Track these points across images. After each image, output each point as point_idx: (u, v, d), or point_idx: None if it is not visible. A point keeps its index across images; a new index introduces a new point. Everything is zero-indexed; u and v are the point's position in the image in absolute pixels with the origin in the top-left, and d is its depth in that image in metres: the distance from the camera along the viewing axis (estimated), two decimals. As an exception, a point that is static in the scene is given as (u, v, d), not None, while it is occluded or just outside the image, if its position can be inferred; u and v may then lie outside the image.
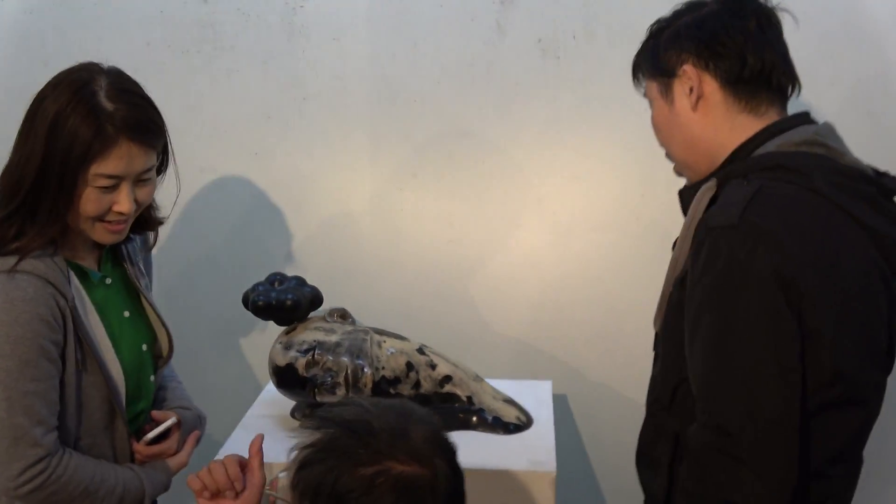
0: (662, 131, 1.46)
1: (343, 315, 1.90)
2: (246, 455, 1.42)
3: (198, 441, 1.70)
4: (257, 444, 1.43)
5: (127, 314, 1.64)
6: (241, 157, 2.30)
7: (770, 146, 1.33)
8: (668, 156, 1.49)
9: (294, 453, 1.15)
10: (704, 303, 1.26)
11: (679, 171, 1.49)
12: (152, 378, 1.70)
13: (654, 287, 2.26)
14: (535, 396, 2.03)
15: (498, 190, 2.26)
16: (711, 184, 1.33)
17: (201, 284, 2.37)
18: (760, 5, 1.39)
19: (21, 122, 1.45)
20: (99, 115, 1.40)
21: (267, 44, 2.22)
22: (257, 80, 2.25)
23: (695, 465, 1.30)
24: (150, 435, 1.61)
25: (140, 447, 1.61)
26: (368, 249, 2.31)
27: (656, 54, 1.41)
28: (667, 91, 1.41)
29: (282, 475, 1.27)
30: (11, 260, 1.44)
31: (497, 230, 2.28)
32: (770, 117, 1.37)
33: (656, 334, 1.48)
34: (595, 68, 2.17)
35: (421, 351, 1.89)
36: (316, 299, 1.88)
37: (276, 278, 1.88)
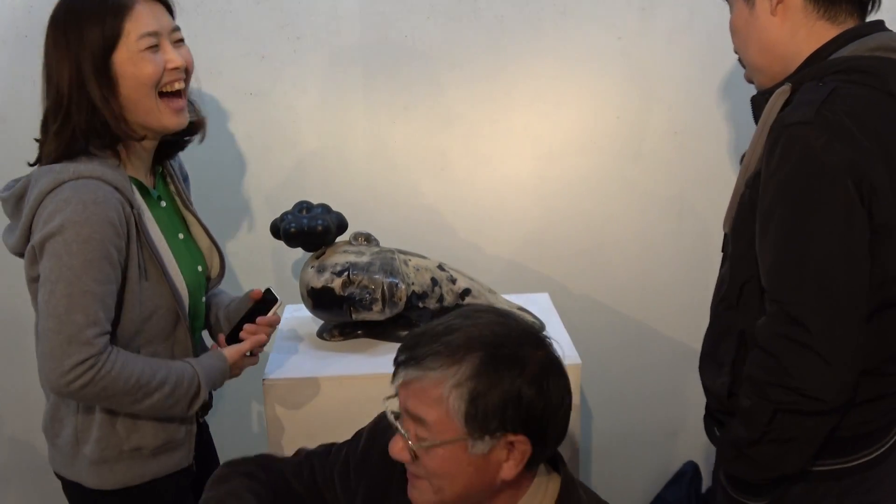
0: (741, 34, 1.50)
1: (367, 238, 2.02)
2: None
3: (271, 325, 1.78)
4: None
5: (181, 236, 1.73)
6: (236, 97, 2.35)
7: (845, 51, 1.39)
8: (742, 61, 1.54)
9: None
10: (778, 195, 1.32)
11: (750, 78, 1.55)
12: (203, 300, 1.79)
13: (629, 202, 2.48)
14: (538, 306, 2.19)
15: (485, 119, 2.39)
16: (786, 87, 1.39)
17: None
18: None
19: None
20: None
21: (259, -16, 2.28)
22: (251, 20, 2.29)
23: (763, 355, 1.36)
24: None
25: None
26: (363, 181, 2.41)
27: None
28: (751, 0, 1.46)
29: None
30: (82, 166, 1.51)
31: (485, 157, 2.42)
32: (847, 26, 1.42)
33: (725, 235, 1.53)
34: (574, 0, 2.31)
35: (441, 267, 2.03)
36: (342, 224, 1.99)
37: (305, 206, 1.98)
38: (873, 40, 1.40)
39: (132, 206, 1.56)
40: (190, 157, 2.36)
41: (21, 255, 1.58)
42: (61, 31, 1.55)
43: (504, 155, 2.42)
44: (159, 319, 1.63)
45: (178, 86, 1.64)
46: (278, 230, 1.96)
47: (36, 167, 1.59)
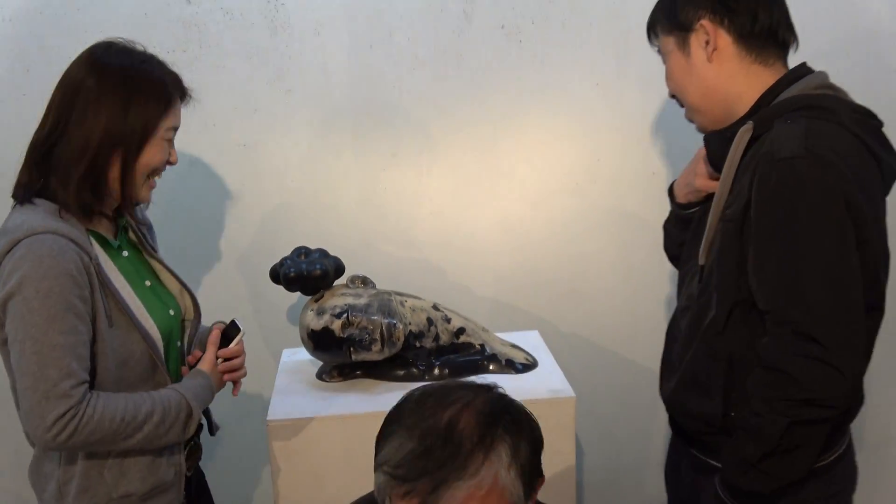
0: (678, 82, 1.63)
1: (364, 281, 2.08)
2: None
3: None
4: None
5: (148, 283, 1.75)
6: (230, 149, 2.43)
7: (793, 91, 1.52)
8: (683, 104, 1.66)
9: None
10: (779, 224, 1.42)
11: (691, 118, 1.68)
12: (179, 344, 1.81)
13: (611, 238, 2.56)
14: (529, 344, 2.26)
15: (472, 163, 2.48)
16: (748, 126, 1.51)
17: (195, 272, 2.48)
18: None
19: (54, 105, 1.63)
20: (163, 84, 1.65)
21: (251, 40, 2.36)
22: (243, 75, 2.38)
23: (772, 374, 1.45)
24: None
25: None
26: (356, 226, 2.49)
27: (674, 11, 1.58)
28: (684, 44, 1.58)
29: None
30: (35, 222, 1.54)
31: (472, 201, 2.51)
32: (778, 68, 1.57)
33: (702, 267, 1.61)
34: (552, 48, 2.42)
35: (436, 307, 2.10)
36: (339, 268, 2.06)
37: (303, 251, 2.05)
38: (813, 80, 1.54)
39: (90, 257, 1.58)
40: (186, 205, 2.44)
41: None
42: (116, 88, 1.60)
43: (491, 198, 2.51)
44: (135, 365, 1.65)
45: (158, 178, 1.74)
46: (278, 275, 2.02)
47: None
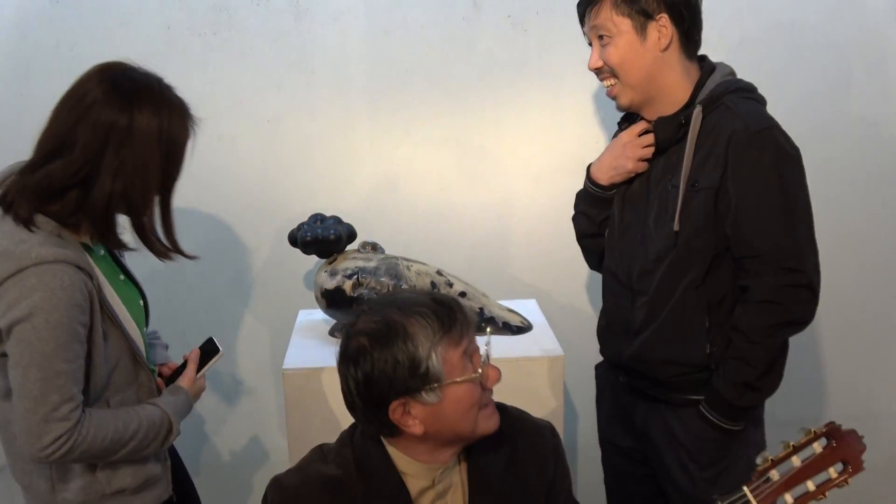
0: (625, 60, 1.82)
1: (374, 246, 2.28)
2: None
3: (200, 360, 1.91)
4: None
5: (122, 277, 1.79)
6: (255, 124, 2.63)
7: (716, 78, 1.84)
8: (618, 80, 1.85)
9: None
10: (766, 183, 1.73)
11: (615, 95, 1.89)
12: (145, 329, 1.87)
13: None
14: (527, 310, 2.45)
15: (478, 143, 2.67)
16: (699, 110, 1.80)
17: (224, 237, 2.69)
18: None
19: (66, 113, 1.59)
20: (185, 105, 1.68)
21: (276, 25, 2.56)
22: (268, 56, 2.58)
23: (762, 306, 1.76)
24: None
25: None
26: (369, 198, 2.69)
27: None
28: (642, 29, 1.80)
29: None
30: (42, 250, 1.54)
31: (478, 178, 2.70)
32: (695, 63, 1.87)
33: (676, 232, 1.82)
34: (556, 37, 2.59)
35: (439, 273, 2.29)
36: (352, 234, 2.26)
37: (319, 217, 2.25)
38: (722, 69, 1.87)
39: (92, 280, 1.61)
40: (213, 176, 2.65)
41: None
42: (153, 117, 1.59)
43: (495, 175, 2.69)
44: (122, 369, 1.71)
45: None
46: (295, 239, 2.22)
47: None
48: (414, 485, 1.46)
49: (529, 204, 2.72)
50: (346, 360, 1.41)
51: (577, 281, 2.76)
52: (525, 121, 2.66)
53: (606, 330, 2.07)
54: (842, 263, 2.71)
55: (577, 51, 2.58)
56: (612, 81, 1.87)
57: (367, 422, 1.44)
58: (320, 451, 1.52)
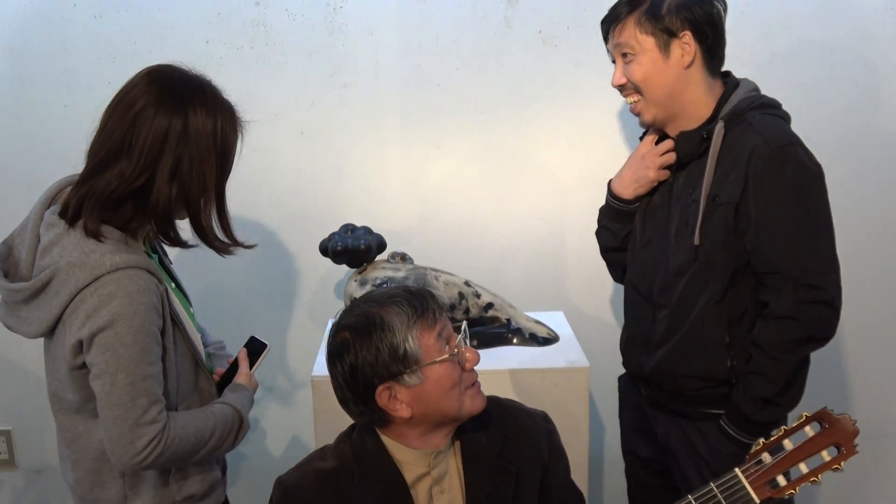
0: (649, 77, 1.85)
1: (403, 257, 2.32)
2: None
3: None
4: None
5: (174, 285, 1.81)
6: (288, 137, 2.69)
7: (740, 94, 1.86)
8: (642, 96, 1.88)
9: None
10: (787, 198, 1.74)
11: (638, 111, 1.91)
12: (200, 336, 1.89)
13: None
14: (554, 322, 2.47)
15: (507, 156, 2.71)
16: (721, 125, 1.82)
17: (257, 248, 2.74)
18: None
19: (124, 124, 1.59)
20: (233, 108, 1.70)
21: (311, 39, 2.62)
22: (303, 70, 2.64)
23: (782, 322, 1.77)
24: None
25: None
26: (400, 209, 2.73)
27: (659, 16, 1.81)
28: (665, 47, 1.83)
29: None
30: (116, 258, 1.56)
31: (507, 190, 2.73)
32: (719, 79, 1.89)
33: (696, 247, 1.84)
34: (585, 53, 2.63)
35: (467, 284, 2.33)
36: (381, 244, 2.30)
37: (350, 227, 2.29)
38: (746, 85, 1.89)
39: (161, 283, 1.64)
40: (247, 186, 2.71)
41: (34, 337, 1.65)
42: (207, 128, 1.61)
43: (524, 188, 2.73)
44: (186, 374, 1.74)
45: None
46: (326, 249, 2.27)
47: (59, 261, 1.58)
48: (410, 472, 1.55)
49: (557, 216, 2.75)
50: (333, 357, 1.52)
51: (604, 293, 2.79)
52: (554, 135, 2.69)
53: (628, 343, 2.10)
54: (867, 276, 2.71)
55: (606, 67, 2.60)
56: (636, 98, 1.90)
57: (359, 413, 1.53)
58: (321, 451, 1.63)
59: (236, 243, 1.75)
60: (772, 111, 1.86)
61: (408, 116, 2.68)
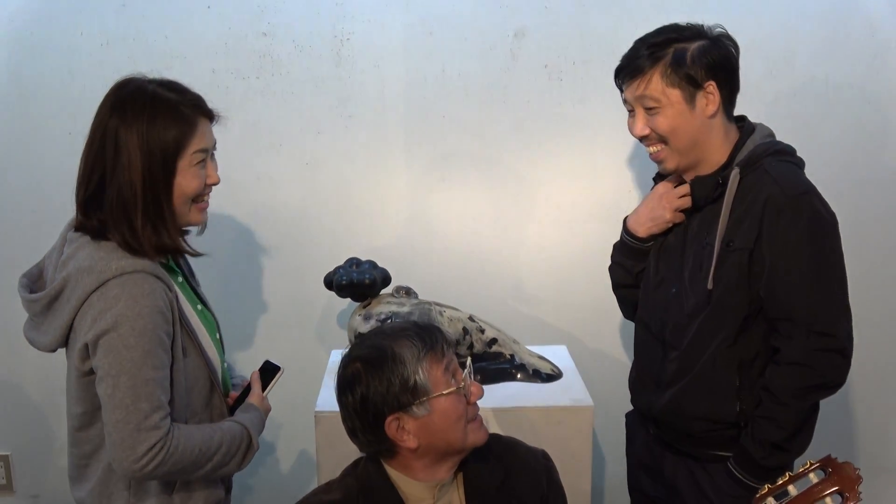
0: (675, 127, 1.83)
1: (408, 291, 2.32)
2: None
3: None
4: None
5: (199, 307, 1.81)
6: (293, 166, 2.69)
7: (755, 139, 1.86)
8: (667, 145, 1.86)
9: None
10: (801, 247, 1.75)
11: (661, 159, 1.90)
12: (225, 364, 1.90)
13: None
14: (557, 357, 2.46)
15: (512, 190, 2.71)
16: (737, 171, 1.81)
17: (259, 277, 2.75)
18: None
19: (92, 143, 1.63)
20: (177, 107, 1.62)
21: (317, 70, 2.63)
22: (309, 101, 2.65)
23: (793, 368, 1.77)
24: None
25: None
26: (404, 241, 2.73)
27: (682, 68, 1.80)
28: (691, 98, 1.82)
29: None
30: (123, 262, 1.58)
31: (512, 223, 2.73)
32: (734, 123, 1.90)
33: (710, 291, 1.84)
34: (591, 87, 2.64)
35: (471, 319, 2.32)
36: (386, 279, 2.29)
37: (354, 261, 2.29)
38: (761, 130, 1.90)
39: (171, 290, 1.64)
40: (252, 214, 2.71)
41: (52, 351, 1.68)
42: (134, 121, 1.60)
43: (528, 221, 2.73)
44: (200, 390, 1.73)
45: (207, 199, 1.74)
46: (331, 282, 2.26)
47: (71, 269, 1.62)
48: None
49: (562, 250, 2.75)
50: (344, 388, 1.55)
51: (607, 328, 2.78)
52: (559, 168, 2.70)
53: (637, 382, 2.09)
54: (875, 317, 2.71)
55: (611, 102, 2.61)
56: (659, 147, 1.89)
57: (367, 443, 1.56)
58: (325, 485, 1.66)
59: (179, 250, 1.72)
60: (787, 158, 1.86)
61: (413, 148, 2.68)
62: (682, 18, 2.55)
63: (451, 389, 1.53)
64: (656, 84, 1.83)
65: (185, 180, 1.65)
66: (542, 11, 2.60)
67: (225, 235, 2.68)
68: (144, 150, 1.60)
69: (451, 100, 2.65)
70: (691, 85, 1.81)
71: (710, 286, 1.83)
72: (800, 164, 1.89)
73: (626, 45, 2.59)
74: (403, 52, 2.62)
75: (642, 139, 1.92)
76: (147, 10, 2.60)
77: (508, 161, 2.69)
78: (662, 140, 1.87)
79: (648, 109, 1.86)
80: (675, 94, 1.82)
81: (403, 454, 1.55)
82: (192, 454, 1.62)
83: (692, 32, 1.86)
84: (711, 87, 1.82)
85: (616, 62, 2.61)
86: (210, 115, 1.70)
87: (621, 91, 1.93)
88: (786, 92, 2.62)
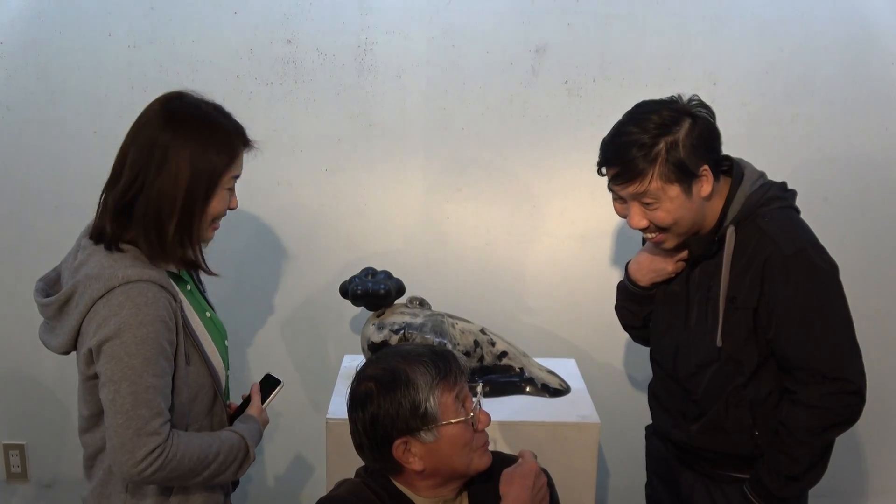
0: (676, 218, 1.81)
1: (422, 302, 2.35)
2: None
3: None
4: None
5: (208, 315, 1.85)
6: (313, 172, 2.73)
7: (745, 188, 1.83)
8: (671, 233, 1.85)
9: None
10: (805, 303, 1.78)
11: (660, 242, 1.88)
12: (228, 372, 1.92)
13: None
14: (566, 371, 2.50)
15: (528, 203, 2.74)
16: (732, 229, 1.83)
17: (276, 281, 2.79)
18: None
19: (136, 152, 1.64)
20: (228, 133, 1.69)
21: (340, 78, 2.66)
22: (330, 108, 2.68)
23: (811, 410, 1.81)
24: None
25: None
26: (419, 251, 2.77)
27: (680, 164, 1.76)
28: (689, 189, 1.78)
29: None
30: (129, 271, 1.61)
31: (526, 236, 2.76)
32: (722, 175, 1.86)
33: (719, 349, 1.88)
34: (610, 105, 2.63)
35: (483, 331, 2.35)
36: (401, 289, 2.33)
37: (370, 271, 2.32)
38: (751, 174, 1.87)
39: (176, 300, 1.68)
40: (270, 219, 2.75)
41: (64, 353, 1.72)
42: (190, 138, 1.64)
43: (542, 234, 2.76)
44: (203, 399, 1.76)
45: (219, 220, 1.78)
46: (346, 291, 2.30)
47: (80, 276, 1.65)
48: None
49: (574, 263, 2.78)
50: (355, 404, 1.57)
51: (616, 342, 2.81)
52: (574, 183, 2.72)
53: (656, 404, 2.12)
54: (885, 341, 2.72)
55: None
56: (657, 233, 1.88)
57: (373, 460, 1.59)
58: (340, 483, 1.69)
59: (198, 266, 1.76)
60: (779, 203, 1.85)
61: (431, 158, 2.72)
62: (703, 40, 2.61)
63: (460, 419, 1.55)
64: (656, 184, 1.78)
65: (217, 202, 1.70)
66: (564, 28, 2.63)
67: (242, 237, 2.72)
68: (194, 167, 1.64)
69: (470, 112, 2.68)
70: (688, 177, 1.78)
71: (719, 344, 1.87)
72: (793, 205, 1.89)
73: (645, 65, 2.65)
74: (426, 64, 2.65)
75: (641, 230, 1.89)
76: (174, 14, 2.63)
77: (524, 174, 2.72)
78: (662, 229, 1.86)
79: (646, 204, 1.83)
80: (674, 189, 1.79)
81: (409, 474, 1.58)
82: (190, 461, 1.65)
83: (671, 113, 1.80)
84: (705, 170, 1.79)
85: (636, 81, 2.66)
86: (249, 145, 1.75)
87: (610, 184, 1.89)
88: (803, 115, 2.64)
